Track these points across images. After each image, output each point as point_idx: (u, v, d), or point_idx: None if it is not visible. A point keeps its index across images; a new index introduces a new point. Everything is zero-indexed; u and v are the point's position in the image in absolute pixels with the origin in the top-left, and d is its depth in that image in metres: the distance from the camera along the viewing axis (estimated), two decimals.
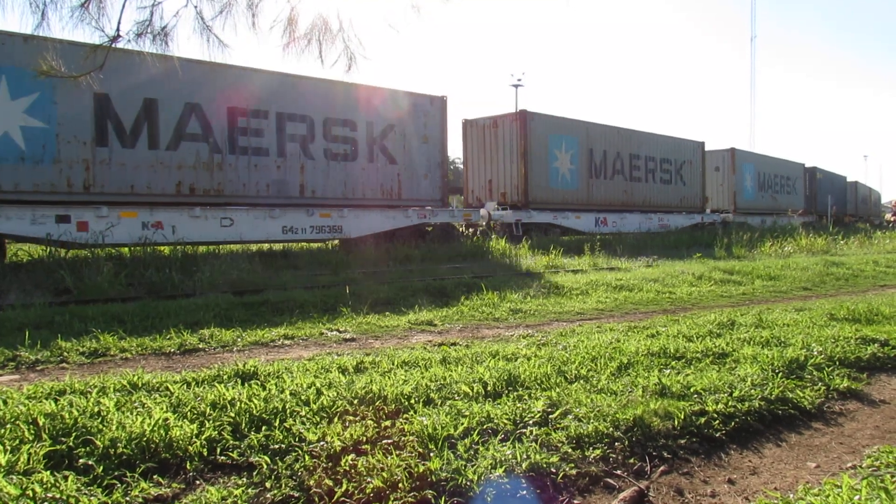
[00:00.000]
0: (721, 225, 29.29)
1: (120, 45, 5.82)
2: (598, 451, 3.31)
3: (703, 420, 3.76)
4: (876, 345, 5.69)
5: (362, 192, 17.24)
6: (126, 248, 12.82)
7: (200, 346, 6.13)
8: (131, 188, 13.59)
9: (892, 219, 56.60)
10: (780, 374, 4.64)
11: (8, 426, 3.22)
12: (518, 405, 3.83)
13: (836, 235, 23.69)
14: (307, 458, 3.07)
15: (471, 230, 20.26)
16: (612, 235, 22.66)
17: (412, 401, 3.90)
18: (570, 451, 3.29)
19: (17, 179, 12.24)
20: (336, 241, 16.20)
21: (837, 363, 5.14)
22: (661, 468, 3.32)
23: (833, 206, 41.16)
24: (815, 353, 5.23)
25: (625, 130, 26.33)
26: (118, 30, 5.66)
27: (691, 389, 4.17)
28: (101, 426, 3.25)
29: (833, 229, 26.06)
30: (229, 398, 3.76)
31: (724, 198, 33.53)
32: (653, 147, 27.60)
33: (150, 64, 12.23)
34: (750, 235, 21.10)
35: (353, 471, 2.93)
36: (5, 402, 3.59)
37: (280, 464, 3.04)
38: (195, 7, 5.82)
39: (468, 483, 2.89)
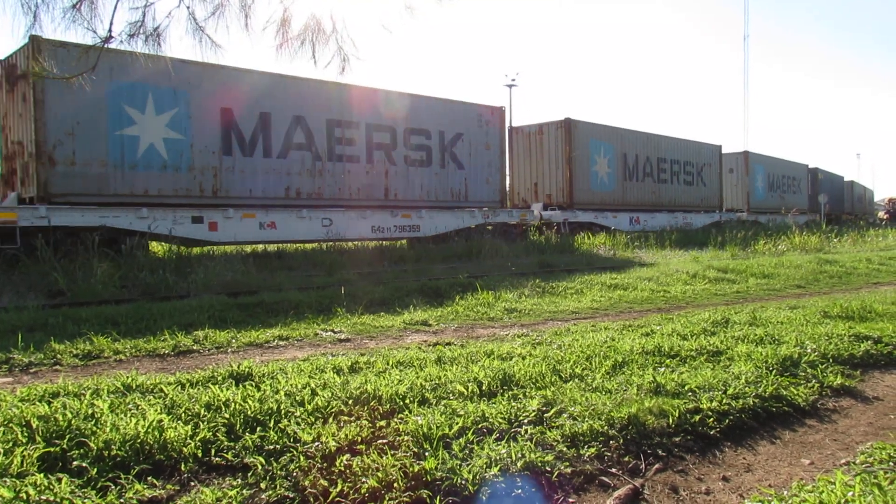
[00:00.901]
0: (737, 222, 30.76)
1: (113, 45, 5.79)
2: (592, 450, 3.31)
3: (697, 418, 3.77)
4: (869, 342, 5.72)
5: (435, 195, 19.06)
6: (249, 246, 15.35)
7: (195, 347, 6.11)
8: (249, 192, 15.28)
9: (884, 216, 56.99)
10: (774, 372, 4.65)
11: (1, 429, 3.20)
12: (513, 404, 3.83)
13: (830, 233, 23.80)
14: (302, 458, 3.06)
15: (524, 228, 21.86)
16: (643, 232, 24.01)
17: (407, 400, 3.90)
18: (564, 449, 3.29)
19: (161, 185, 13.91)
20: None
21: (831, 360, 5.16)
22: (656, 466, 3.33)
23: (827, 204, 42.05)
24: (809, 350, 5.26)
25: (653, 136, 28.14)
26: (110, 30, 5.64)
27: (686, 387, 4.18)
28: (94, 428, 3.24)
29: (828, 227, 27.31)
30: (224, 399, 3.76)
31: (739, 198, 35.28)
32: (677, 151, 29.46)
33: (265, 80, 15.34)
34: (753, 232, 22.77)
35: (348, 471, 2.93)
36: None
37: (275, 464, 3.03)
38: (187, 8, 5.81)
39: (463, 482, 2.89)
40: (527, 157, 25.06)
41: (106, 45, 5.76)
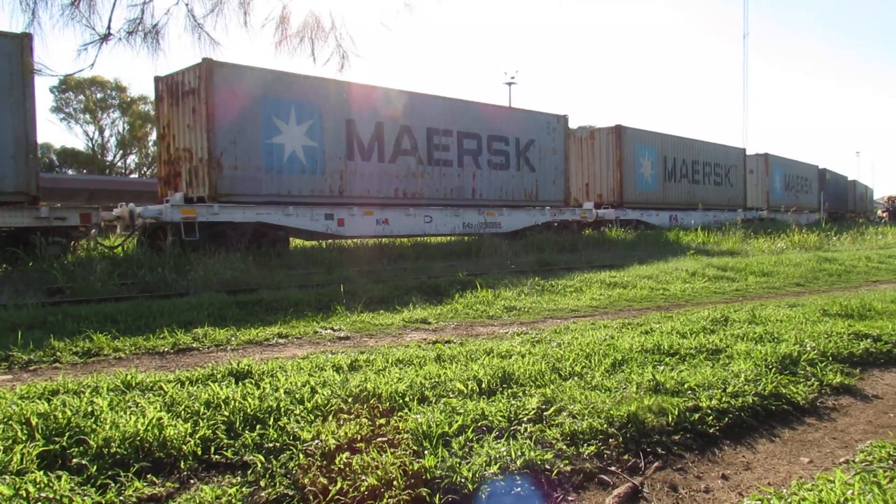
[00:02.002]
0: (759, 220, 33.05)
1: (111, 42, 5.78)
2: (592, 448, 3.32)
3: (696, 416, 3.77)
4: (868, 340, 5.72)
5: (512, 195, 21.55)
6: (370, 240, 17.63)
7: (194, 345, 6.11)
8: (367, 192, 17.54)
9: (883, 214, 57.12)
10: (773, 370, 4.65)
11: (1, 426, 3.20)
12: (512, 402, 3.83)
13: (829, 231, 23.84)
14: (301, 456, 3.06)
15: (582, 225, 24.38)
16: (681, 229, 25.41)
17: (406, 399, 3.90)
18: (564, 447, 3.29)
19: (300, 186, 16.17)
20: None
21: (830, 359, 5.16)
22: (656, 464, 3.33)
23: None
24: (808, 348, 5.26)
25: (689, 140, 30.81)
26: (109, 28, 5.62)
27: (685, 385, 4.18)
28: (94, 426, 3.23)
29: (832, 225, 29.29)
30: (223, 397, 3.76)
31: (759, 197, 37.76)
32: (708, 154, 32.14)
33: (379, 94, 17.74)
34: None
35: (347, 469, 2.93)
36: None
37: (274, 462, 3.03)
38: (186, 5, 5.80)
39: (463, 481, 2.89)
40: (579, 159, 27.10)
41: (104, 43, 5.74)
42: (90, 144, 57.05)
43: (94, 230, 13.89)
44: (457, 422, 3.47)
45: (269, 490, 2.82)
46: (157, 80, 16.16)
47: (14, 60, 12.29)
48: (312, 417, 3.57)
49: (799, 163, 43.01)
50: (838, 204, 49.40)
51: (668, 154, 29.01)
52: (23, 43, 12.27)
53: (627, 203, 26.59)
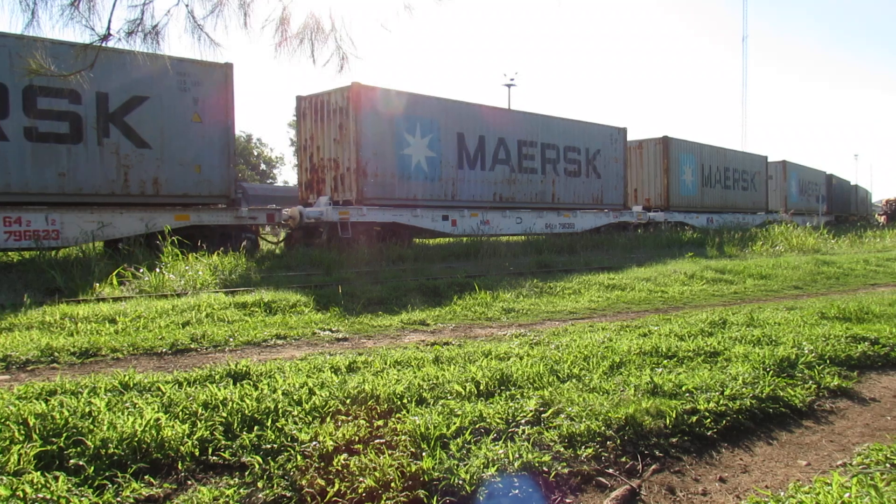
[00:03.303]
0: (778, 222, 34.43)
1: (110, 43, 5.77)
2: (590, 450, 3.32)
3: (694, 419, 3.77)
4: (866, 343, 5.73)
5: (583, 199, 24.77)
6: (467, 238, 19.63)
7: (192, 346, 6.10)
8: (472, 197, 20.53)
9: (881, 217, 57.27)
10: (771, 373, 4.66)
11: None
12: (510, 404, 3.83)
13: (828, 234, 23.87)
14: (299, 457, 3.06)
15: (637, 225, 26.95)
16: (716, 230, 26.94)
17: (405, 400, 3.90)
18: (562, 450, 3.29)
19: (423, 192, 19.14)
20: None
21: (828, 361, 5.17)
22: (653, 467, 3.33)
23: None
24: (806, 351, 5.26)
25: (721, 149, 33.90)
26: (108, 29, 5.62)
27: (683, 388, 4.19)
28: (92, 426, 3.23)
29: (837, 226, 31.85)
30: (221, 398, 3.75)
31: (778, 201, 40.90)
32: (737, 161, 35.34)
33: (483, 111, 20.93)
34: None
35: (345, 470, 2.93)
36: None
37: (272, 463, 3.03)
38: (186, 6, 5.80)
39: (461, 483, 2.89)
40: (628, 167, 28.97)
41: (104, 44, 5.74)
42: None
43: (267, 228, 16.82)
44: (455, 424, 3.47)
45: (267, 491, 2.82)
46: (300, 98, 19.22)
47: (222, 88, 15.20)
48: (310, 419, 3.57)
49: (811, 169, 46.29)
50: (842, 207, 52.22)
51: (705, 162, 32.17)
52: (226, 72, 15.21)
53: (673, 206, 29.65)
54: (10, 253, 14.69)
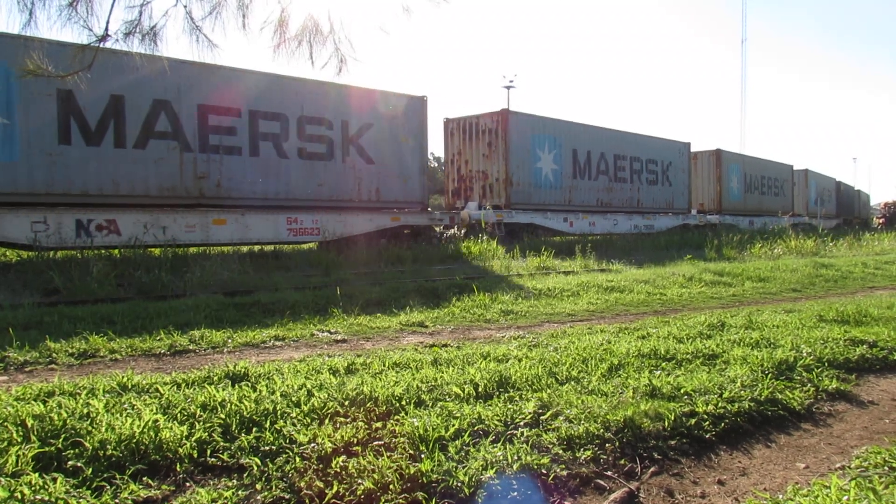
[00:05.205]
0: (802, 225, 38.21)
1: (108, 44, 5.77)
2: (588, 453, 3.32)
3: (693, 421, 3.77)
4: (864, 346, 5.73)
5: (660, 204, 29.43)
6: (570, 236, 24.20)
7: (191, 347, 6.10)
8: (582, 202, 25.22)
9: (880, 220, 57.46)
10: (769, 376, 4.66)
11: None
12: (509, 406, 3.83)
13: (826, 237, 23.92)
14: (298, 459, 3.06)
15: (698, 227, 31.00)
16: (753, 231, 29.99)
17: (403, 402, 3.89)
18: (560, 452, 3.29)
19: (549, 198, 23.79)
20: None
21: (826, 364, 5.17)
22: (652, 469, 3.33)
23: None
24: (805, 354, 5.26)
25: (759, 159, 38.68)
26: (107, 29, 5.61)
27: (681, 390, 4.19)
28: (90, 428, 3.23)
29: (836, 229, 34.72)
30: (220, 400, 3.75)
31: (801, 205, 44.93)
32: (769, 169, 39.75)
33: (589, 129, 25.42)
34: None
35: (343, 472, 2.93)
36: None
37: (270, 465, 3.03)
38: (185, 7, 5.80)
39: (459, 484, 2.89)
40: (690, 176, 33.42)
41: (102, 44, 5.73)
42: None
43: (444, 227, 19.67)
44: (453, 426, 3.47)
45: (266, 493, 2.81)
46: (448, 120, 24.03)
47: (420, 116, 18.69)
48: (309, 420, 3.56)
49: (825, 176, 50.73)
50: (848, 211, 56.37)
51: (746, 171, 36.67)
52: (423, 101, 18.73)
53: (724, 210, 34.13)
54: (8, 253, 14.69)
